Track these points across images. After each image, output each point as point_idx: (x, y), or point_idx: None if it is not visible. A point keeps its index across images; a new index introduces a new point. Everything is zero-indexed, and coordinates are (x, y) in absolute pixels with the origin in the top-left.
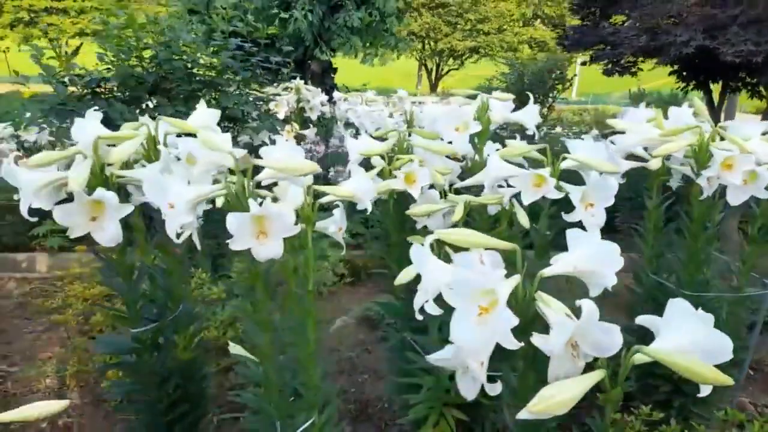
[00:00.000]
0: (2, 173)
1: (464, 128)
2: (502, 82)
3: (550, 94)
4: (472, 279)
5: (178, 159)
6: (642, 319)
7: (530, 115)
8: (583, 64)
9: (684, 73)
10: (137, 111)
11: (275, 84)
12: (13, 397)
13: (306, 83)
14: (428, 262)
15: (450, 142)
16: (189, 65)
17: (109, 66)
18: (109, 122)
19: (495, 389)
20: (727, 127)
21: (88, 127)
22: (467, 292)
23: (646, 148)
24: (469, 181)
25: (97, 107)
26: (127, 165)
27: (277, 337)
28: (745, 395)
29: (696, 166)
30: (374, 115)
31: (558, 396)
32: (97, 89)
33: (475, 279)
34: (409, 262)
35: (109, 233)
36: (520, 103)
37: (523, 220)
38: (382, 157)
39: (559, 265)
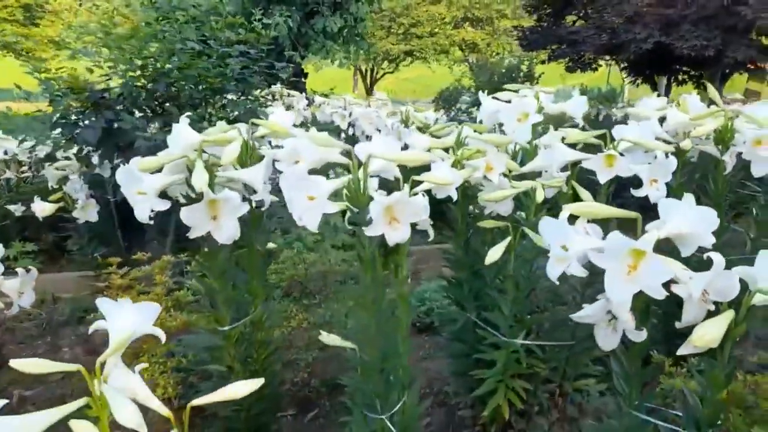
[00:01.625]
0: (121, 176)
1: (525, 119)
2: (471, 80)
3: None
4: (624, 241)
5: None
6: (738, 271)
7: (578, 106)
8: (542, 62)
9: (637, 69)
10: (146, 121)
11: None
12: None
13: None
14: (570, 233)
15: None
16: (199, 73)
17: (108, 75)
18: (111, 133)
19: (641, 336)
20: (742, 111)
21: (183, 132)
22: (618, 254)
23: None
24: (526, 168)
25: (110, 119)
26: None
27: (376, 323)
28: None
29: (722, 144)
30: (372, 116)
31: (708, 334)
32: (100, 101)
33: (627, 241)
34: (472, 247)
35: (227, 232)
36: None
37: (587, 197)
38: (447, 151)
39: (667, 228)
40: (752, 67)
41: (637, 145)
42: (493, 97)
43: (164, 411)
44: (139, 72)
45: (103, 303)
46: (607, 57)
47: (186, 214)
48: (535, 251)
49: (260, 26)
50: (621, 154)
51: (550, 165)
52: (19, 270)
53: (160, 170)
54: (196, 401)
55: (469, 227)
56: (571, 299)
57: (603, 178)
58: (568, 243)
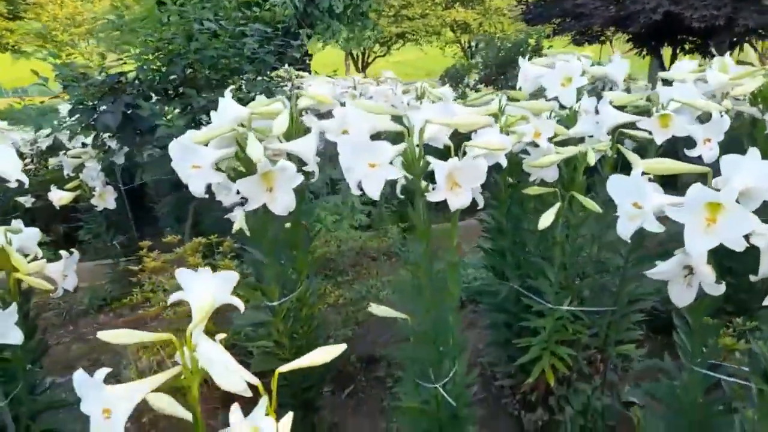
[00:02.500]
0: (175, 150)
1: (569, 83)
2: (479, 57)
3: None
4: (707, 194)
5: None
6: None
7: (619, 70)
8: (547, 37)
9: (643, 41)
10: (164, 105)
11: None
12: None
13: None
14: (647, 189)
15: (555, 98)
16: (216, 54)
17: (122, 59)
18: (129, 118)
19: (719, 289)
20: None
21: (229, 106)
22: (698, 207)
23: None
24: (571, 132)
25: (128, 103)
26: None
27: (429, 293)
28: None
29: (762, 104)
30: (389, 93)
31: None
32: (116, 85)
33: (711, 193)
34: (514, 216)
35: (283, 203)
36: (498, 74)
37: (635, 159)
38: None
39: (737, 182)
40: (763, 32)
41: (685, 106)
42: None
43: (254, 380)
44: (153, 55)
45: (182, 274)
46: (615, 29)
47: (243, 186)
48: (582, 216)
49: (270, 4)
50: None
51: (593, 129)
52: (63, 253)
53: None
54: (283, 368)
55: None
56: (615, 264)
57: (659, 138)
58: (642, 200)
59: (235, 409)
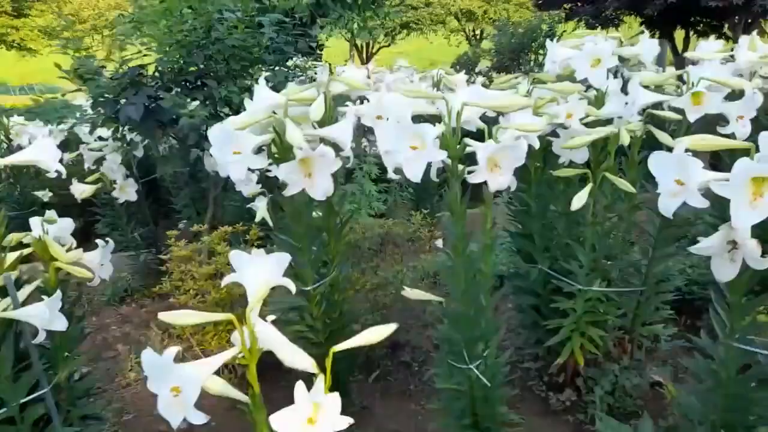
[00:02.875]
0: (217, 137)
1: (598, 64)
2: (492, 43)
3: (541, 51)
4: (750, 167)
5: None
6: None
7: (649, 50)
8: (558, 22)
9: (656, 24)
10: (185, 95)
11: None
12: None
13: None
14: (693, 165)
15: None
16: (236, 44)
17: (140, 52)
18: (151, 110)
19: (764, 263)
20: None
21: (264, 94)
22: (744, 181)
23: None
24: (602, 112)
25: (150, 95)
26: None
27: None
28: None
29: None
30: (406, 81)
31: None
32: (136, 78)
33: (753, 167)
34: (546, 197)
35: (322, 187)
36: (510, 60)
37: (666, 139)
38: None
39: None
40: None
41: (716, 84)
42: None
43: (309, 359)
44: (172, 47)
45: (236, 256)
46: (629, 12)
47: (283, 171)
48: (613, 197)
49: None
50: None
51: (621, 110)
52: (99, 242)
53: None
54: (339, 347)
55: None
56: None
57: (692, 116)
58: (686, 176)
59: (300, 386)
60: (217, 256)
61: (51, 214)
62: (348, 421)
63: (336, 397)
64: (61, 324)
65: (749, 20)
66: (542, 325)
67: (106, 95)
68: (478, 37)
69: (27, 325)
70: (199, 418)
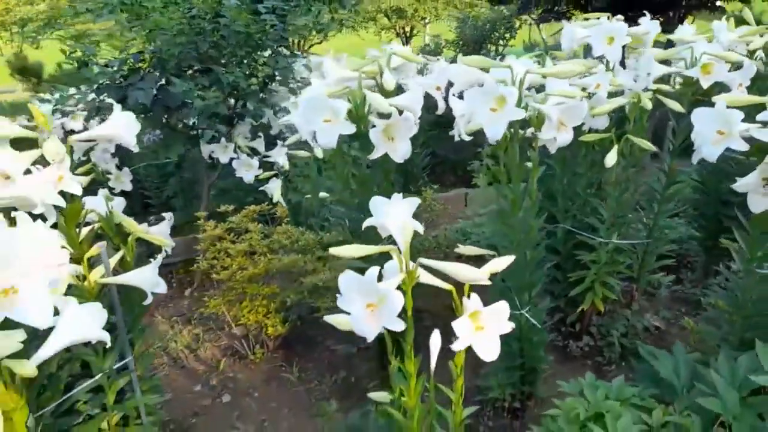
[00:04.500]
0: (308, 106)
1: (612, 42)
2: (454, 34)
3: (501, 42)
4: None
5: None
6: None
7: (651, 30)
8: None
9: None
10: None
11: None
12: None
13: None
14: (735, 115)
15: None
16: (242, 31)
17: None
18: (158, 95)
19: None
20: None
21: (332, 69)
22: None
23: None
24: (621, 80)
25: (158, 80)
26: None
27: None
28: None
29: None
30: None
31: None
32: (139, 65)
33: None
34: (568, 161)
35: (401, 151)
36: (474, 51)
37: (675, 105)
38: None
39: None
40: (710, 5)
41: (716, 57)
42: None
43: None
44: (177, 33)
45: (375, 201)
46: (581, 6)
47: (373, 136)
48: (636, 158)
49: None
50: None
51: (631, 82)
52: (165, 215)
53: None
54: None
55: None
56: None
57: (705, 83)
58: (728, 126)
59: (474, 297)
60: (247, 234)
61: (104, 192)
62: (510, 325)
63: (504, 304)
64: (162, 287)
65: (682, 13)
66: (560, 280)
67: (106, 82)
68: (408, 34)
69: (115, 295)
70: (400, 325)
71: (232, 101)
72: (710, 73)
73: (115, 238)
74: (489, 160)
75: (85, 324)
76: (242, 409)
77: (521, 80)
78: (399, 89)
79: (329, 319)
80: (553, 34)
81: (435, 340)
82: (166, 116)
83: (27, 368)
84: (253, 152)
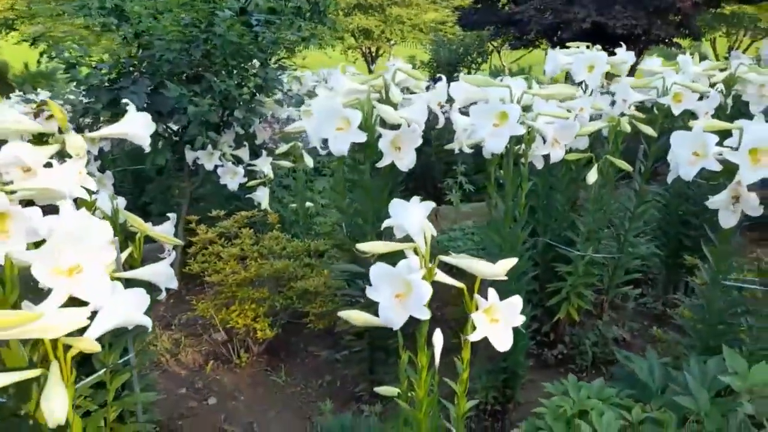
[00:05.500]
0: (318, 113)
1: (592, 70)
2: (428, 55)
3: (473, 65)
4: (753, 140)
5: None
6: None
7: (627, 60)
8: (487, 40)
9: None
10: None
11: None
12: None
13: None
14: (709, 139)
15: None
16: (234, 40)
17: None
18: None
19: (759, 211)
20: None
21: (341, 81)
22: (746, 150)
23: None
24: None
25: (149, 84)
26: None
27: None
28: None
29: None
30: None
31: None
32: (131, 68)
33: (756, 139)
34: (548, 179)
35: (407, 160)
36: (448, 73)
37: (648, 130)
38: None
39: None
40: (668, 41)
41: (685, 87)
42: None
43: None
44: (171, 37)
45: (395, 204)
46: (549, 35)
47: (382, 144)
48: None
49: None
50: None
51: (608, 107)
52: (170, 215)
53: None
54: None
55: None
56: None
57: (676, 111)
58: (703, 148)
59: (492, 291)
60: (237, 239)
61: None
62: (522, 319)
63: (518, 298)
64: (174, 283)
65: (641, 47)
66: (537, 291)
67: (99, 85)
68: (374, 54)
69: None
70: (425, 314)
71: (221, 109)
72: (681, 101)
73: (119, 236)
74: (463, 178)
75: (130, 308)
76: (229, 411)
77: (518, 99)
78: None
79: (343, 314)
80: (514, 62)
81: (437, 337)
82: (157, 121)
83: (86, 343)
84: (237, 161)
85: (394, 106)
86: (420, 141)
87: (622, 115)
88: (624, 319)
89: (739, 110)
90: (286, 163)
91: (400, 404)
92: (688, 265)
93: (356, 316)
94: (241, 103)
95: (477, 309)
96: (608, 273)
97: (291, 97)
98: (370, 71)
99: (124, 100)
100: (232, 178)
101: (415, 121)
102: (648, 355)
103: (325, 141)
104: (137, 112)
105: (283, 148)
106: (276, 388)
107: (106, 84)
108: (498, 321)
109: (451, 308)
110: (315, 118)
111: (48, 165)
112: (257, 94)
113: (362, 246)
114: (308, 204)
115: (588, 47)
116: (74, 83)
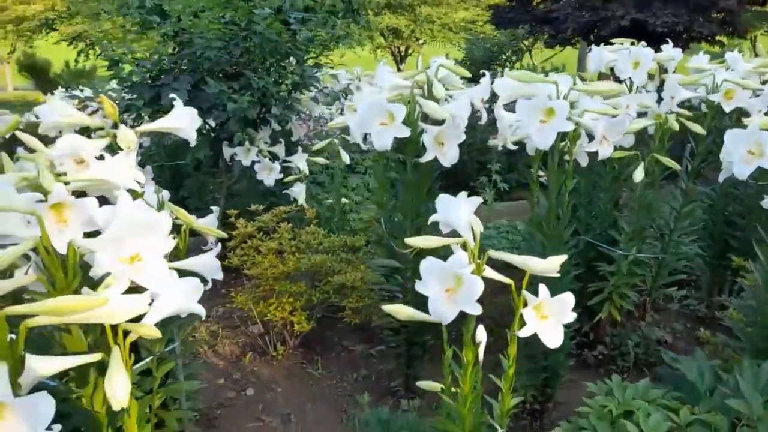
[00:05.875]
0: (365, 109)
1: (636, 66)
2: (462, 54)
3: (507, 63)
4: None
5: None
6: None
7: (676, 57)
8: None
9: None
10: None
11: None
12: None
13: None
14: (765, 137)
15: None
16: (273, 38)
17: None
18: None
19: None
20: None
21: (386, 77)
22: None
23: None
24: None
25: (190, 81)
26: None
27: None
28: None
29: None
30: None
31: None
32: (171, 66)
33: None
34: (591, 177)
35: (450, 156)
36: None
37: (698, 129)
38: None
39: None
40: (710, 39)
41: (737, 84)
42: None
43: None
44: (211, 36)
45: (442, 200)
46: (586, 33)
47: (426, 140)
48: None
49: None
50: None
51: (654, 104)
52: (213, 208)
53: None
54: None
55: None
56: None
57: (727, 108)
58: (757, 147)
59: (542, 287)
60: (276, 234)
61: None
62: (573, 315)
63: (569, 295)
64: (219, 274)
65: (682, 45)
66: (577, 290)
67: (138, 80)
68: (402, 53)
69: None
70: (477, 309)
71: (258, 106)
72: (732, 98)
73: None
74: (498, 177)
75: (185, 296)
76: (267, 402)
77: (565, 95)
78: None
79: (387, 308)
80: (545, 61)
81: (481, 333)
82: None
83: (147, 329)
84: (273, 157)
85: (437, 101)
86: (463, 137)
87: (670, 112)
88: (667, 320)
89: None
90: (321, 160)
91: (444, 399)
92: (733, 267)
93: (401, 310)
94: (278, 100)
95: (525, 305)
96: (651, 273)
97: (327, 95)
98: (399, 71)
99: (171, 95)
100: (268, 174)
101: (459, 116)
102: (696, 356)
103: (365, 136)
104: (186, 108)
105: (319, 144)
106: (312, 380)
107: (148, 81)
108: (548, 318)
109: (491, 304)
110: (359, 113)
111: (100, 157)
112: (294, 91)
113: (411, 240)
114: (344, 200)
115: (633, 44)
116: (116, 80)
